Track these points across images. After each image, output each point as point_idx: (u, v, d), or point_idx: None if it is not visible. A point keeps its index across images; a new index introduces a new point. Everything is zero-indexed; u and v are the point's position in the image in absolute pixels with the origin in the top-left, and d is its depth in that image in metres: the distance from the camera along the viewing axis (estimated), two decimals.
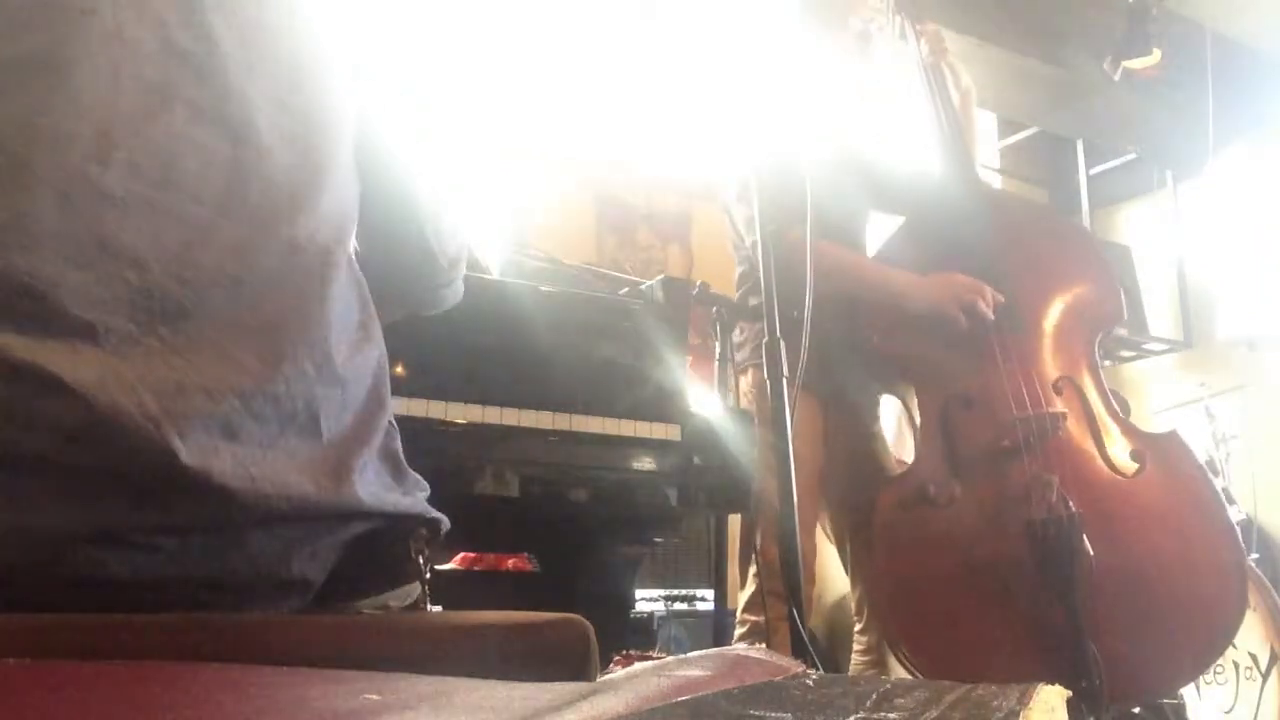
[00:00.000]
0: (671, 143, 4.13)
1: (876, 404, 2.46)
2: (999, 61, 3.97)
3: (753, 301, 2.28)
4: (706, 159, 3.62)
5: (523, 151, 3.61)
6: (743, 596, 2.29)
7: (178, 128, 0.69)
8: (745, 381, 2.30)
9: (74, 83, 0.66)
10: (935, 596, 2.07)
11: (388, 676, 0.51)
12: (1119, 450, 2.10)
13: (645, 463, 1.81)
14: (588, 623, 0.71)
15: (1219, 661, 2.64)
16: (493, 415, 1.66)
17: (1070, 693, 0.47)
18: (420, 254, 0.93)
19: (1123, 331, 3.97)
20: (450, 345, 1.63)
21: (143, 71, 0.68)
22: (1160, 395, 4.18)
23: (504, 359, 1.70)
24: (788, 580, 1.54)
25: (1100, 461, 2.09)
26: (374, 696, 0.45)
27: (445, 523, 0.80)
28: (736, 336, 2.35)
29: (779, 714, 0.42)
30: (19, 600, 0.57)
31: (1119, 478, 2.07)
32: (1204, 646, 2.00)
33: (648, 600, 3.31)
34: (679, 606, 3.36)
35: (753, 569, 2.23)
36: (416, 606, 0.81)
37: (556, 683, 0.54)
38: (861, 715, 0.42)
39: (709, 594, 3.05)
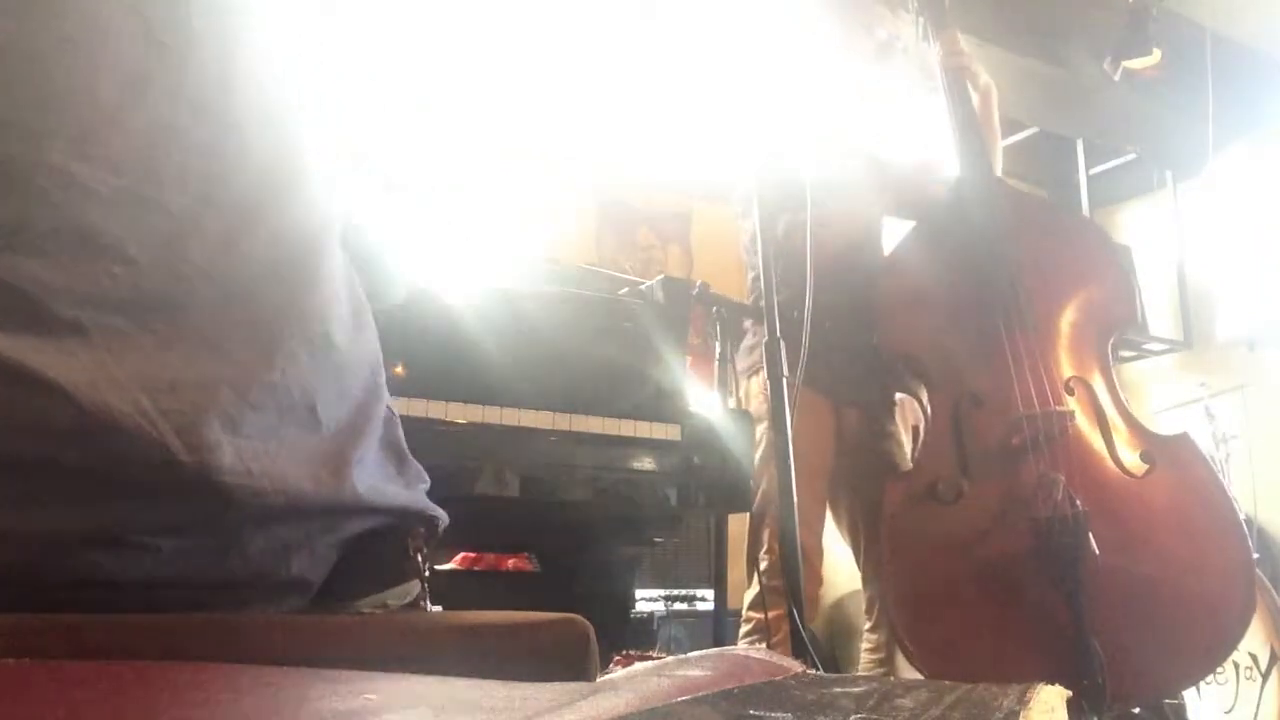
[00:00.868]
0: (671, 143, 4.12)
1: (891, 403, 2.47)
2: (999, 61, 3.97)
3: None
4: (706, 159, 3.61)
5: (523, 152, 3.61)
6: (748, 595, 2.29)
7: (157, 117, 0.68)
8: (756, 384, 2.31)
9: (52, 75, 0.65)
10: (940, 592, 2.08)
11: (388, 676, 0.51)
12: (1129, 451, 2.11)
13: (645, 463, 1.81)
14: (588, 623, 0.71)
15: None
16: (493, 415, 1.65)
17: (1070, 693, 0.47)
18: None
19: None
20: (450, 345, 1.63)
21: (122, 60, 0.67)
22: (1160, 395, 4.18)
23: (504, 359, 1.70)
24: (788, 580, 1.54)
25: (1109, 461, 2.09)
26: (374, 696, 0.45)
27: (444, 519, 0.80)
28: (748, 340, 2.36)
29: (779, 714, 0.42)
30: (16, 602, 0.57)
31: (1128, 478, 2.08)
32: (1210, 648, 2.00)
33: (648, 600, 3.31)
34: (679, 606, 3.36)
35: (761, 567, 2.23)
36: (416, 604, 0.81)
37: (556, 683, 0.54)
38: (861, 715, 0.42)
39: (709, 594, 3.04)
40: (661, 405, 1.83)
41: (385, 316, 0.86)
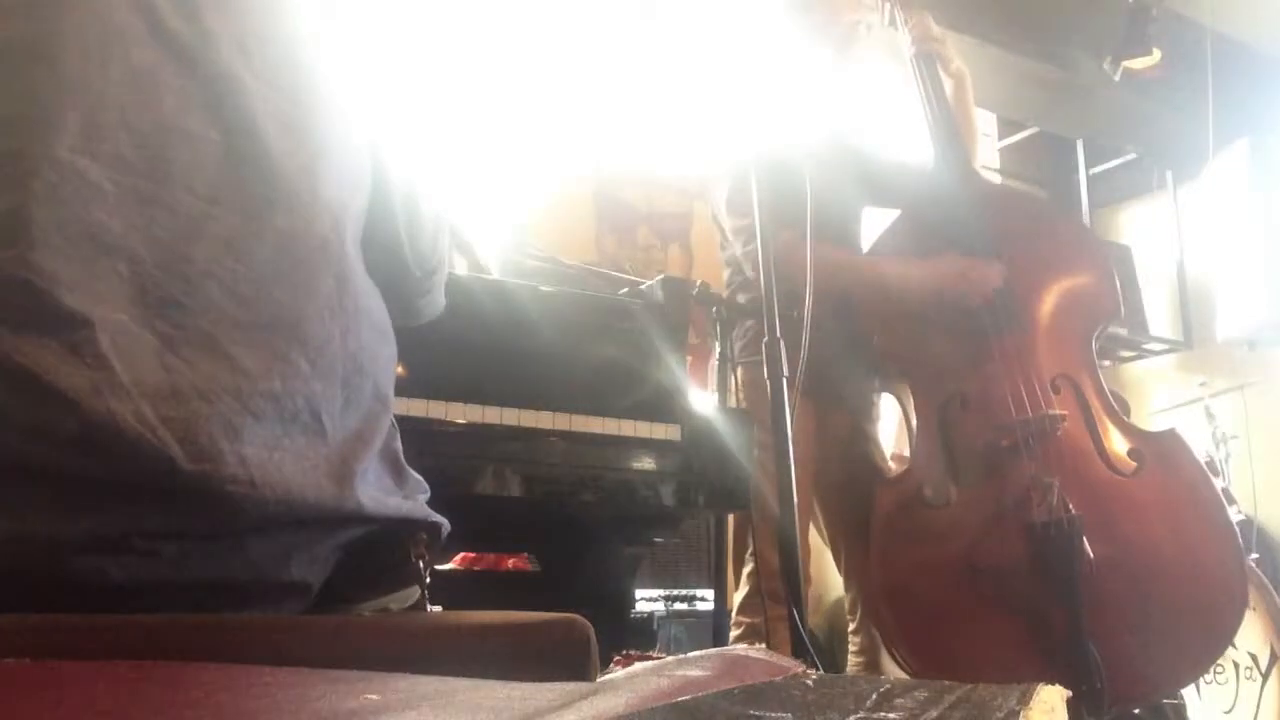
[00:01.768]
0: (671, 143, 4.12)
1: (871, 405, 2.45)
2: (999, 61, 3.97)
3: (741, 298, 2.28)
4: (706, 159, 3.61)
5: (523, 151, 3.61)
6: (737, 597, 2.28)
7: (167, 116, 0.67)
8: (739, 377, 2.30)
9: (61, 71, 0.64)
10: (933, 598, 2.06)
11: (388, 676, 0.51)
12: (1118, 449, 2.09)
13: (645, 463, 1.80)
14: (588, 623, 0.71)
15: (1219, 661, 2.63)
16: (493, 415, 1.65)
17: (1070, 693, 0.47)
18: (392, 261, 0.88)
19: (1123, 331, 3.96)
20: (450, 345, 1.63)
21: (130, 58, 0.67)
22: (1160, 395, 4.18)
23: (504, 359, 1.69)
24: (788, 580, 1.54)
25: (1099, 461, 2.08)
26: (374, 696, 0.45)
27: (445, 526, 0.80)
28: (736, 332, 2.34)
29: (779, 714, 0.42)
30: (19, 606, 0.57)
31: (1118, 477, 2.06)
32: (1205, 646, 1.99)
33: (648, 600, 3.31)
34: (679, 606, 3.36)
35: (746, 569, 2.23)
36: (416, 610, 0.81)
37: (556, 683, 0.54)
38: (861, 715, 0.42)
39: (709, 594, 3.04)
40: (661, 405, 1.83)
41: None
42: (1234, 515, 2.28)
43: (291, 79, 0.75)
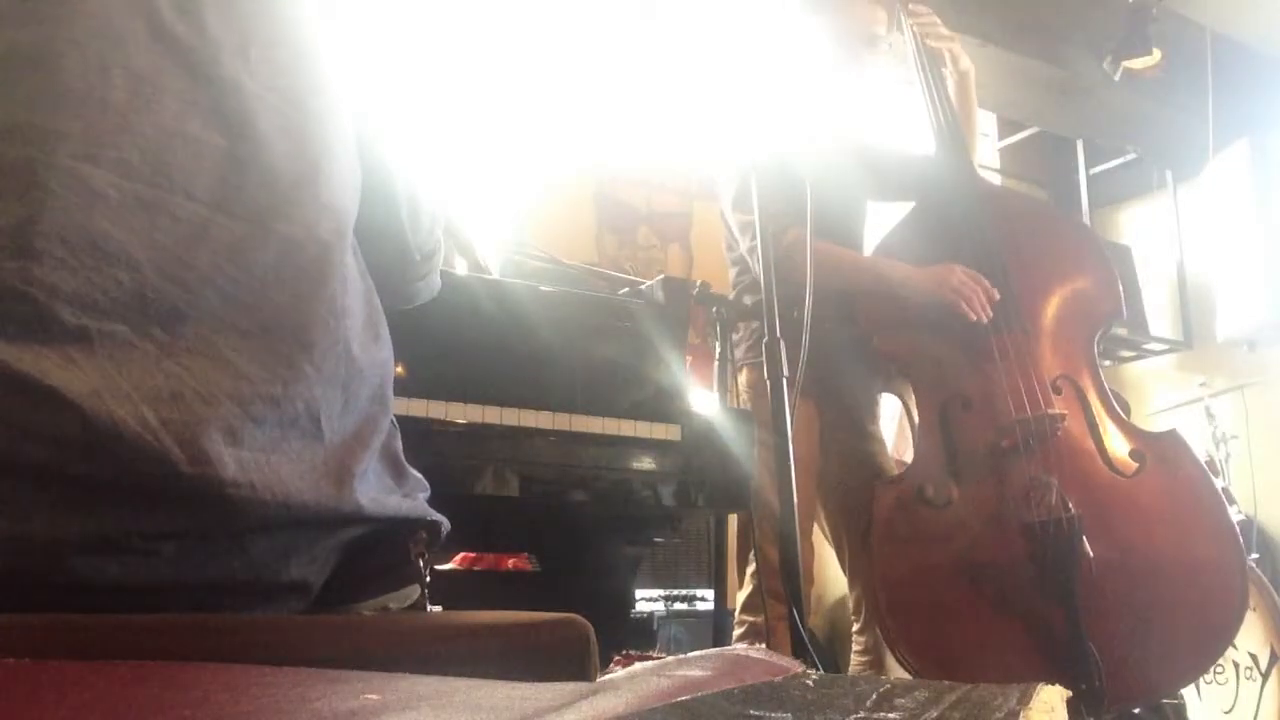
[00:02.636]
0: (671, 143, 4.12)
1: (874, 404, 2.46)
2: (999, 61, 3.97)
3: (748, 300, 2.28)
4: (706, 159, 3.61)
5: (523, 151, 3.61)
6: (741, 596, 2.28)
7: (169, 121, 0.67)
8: (742, 379, 2.30)
9: (61, 78, 0.64)
10: (934, 598, 2.06)
11: (388, 676, 0.51)
12: (1118, 449, 2.10)
13: (645, 463, 1.80)
14: (588, 623, 0.71)
15: (1219, 661, 2.63)
16: (493, 415, 1.65)
17: (1070, 693, 0.47)
18: (395, 247, 0.90)
19: (1123, 331, 3.97)
20: (450, 345, 1.63)
21: (131, 63, 0.67)
22: (1160, 395, 4.18)
23: (504, 359, 1.69)
24: (788, 580, 1.54)
25: (1100, 461, 2.08)
26: (374, 696, 0.45)
27: (445, 525, 0.80)
28: (736, 335, 2.34)
29: (779, 714, 0.42)
30: (18, 606, 0.57)
31: (1118, 477, 2.07)
32: (1205, 646, 1.99)
33: (648, 600, 3.31)
34: (679, 606, 3.36)
35: (750, 569, 2.23)
36: (415, 609, 0.81)
37: (556, 683, 0.54)
38: (861, 715, 0.42)
39: (709, 594, 3.04)
40: (661, 405, 1.83)
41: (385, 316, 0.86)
42: (1234, 515, 2.28)
43: (293, 83, 0.74)
